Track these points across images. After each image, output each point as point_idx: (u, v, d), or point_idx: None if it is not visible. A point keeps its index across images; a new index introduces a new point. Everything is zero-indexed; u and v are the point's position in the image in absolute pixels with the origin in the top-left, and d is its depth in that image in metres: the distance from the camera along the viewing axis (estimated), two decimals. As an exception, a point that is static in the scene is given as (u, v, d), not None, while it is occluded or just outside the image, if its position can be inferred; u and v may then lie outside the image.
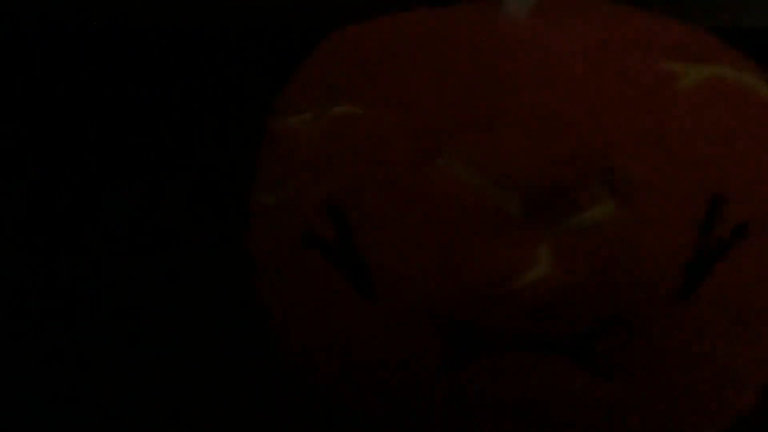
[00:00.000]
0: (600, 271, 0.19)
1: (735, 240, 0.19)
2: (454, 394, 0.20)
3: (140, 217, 0.36)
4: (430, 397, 0.20)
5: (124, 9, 0.40)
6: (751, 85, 0.21)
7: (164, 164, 0.38)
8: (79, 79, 0.41)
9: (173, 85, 0.40)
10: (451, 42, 0.21)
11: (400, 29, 0.22)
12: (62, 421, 0.28)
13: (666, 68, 0.20)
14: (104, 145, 0.39)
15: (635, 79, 0.20)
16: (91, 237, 0.35)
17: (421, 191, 0.19)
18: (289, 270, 0.22)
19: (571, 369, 0.19)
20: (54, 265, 0.34)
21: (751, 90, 0.21)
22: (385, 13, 0.23)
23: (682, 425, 0.21)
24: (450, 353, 0.19)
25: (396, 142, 0.20)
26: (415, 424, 0.21)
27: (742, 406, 0.23)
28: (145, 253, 0.34)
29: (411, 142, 0.19)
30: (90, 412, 0.28)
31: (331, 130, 0.21)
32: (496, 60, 0.20)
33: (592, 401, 0.20)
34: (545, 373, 0.19)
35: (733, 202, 0.19)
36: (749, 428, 0.24)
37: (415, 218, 0.19)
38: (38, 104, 0.40)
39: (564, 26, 0.21)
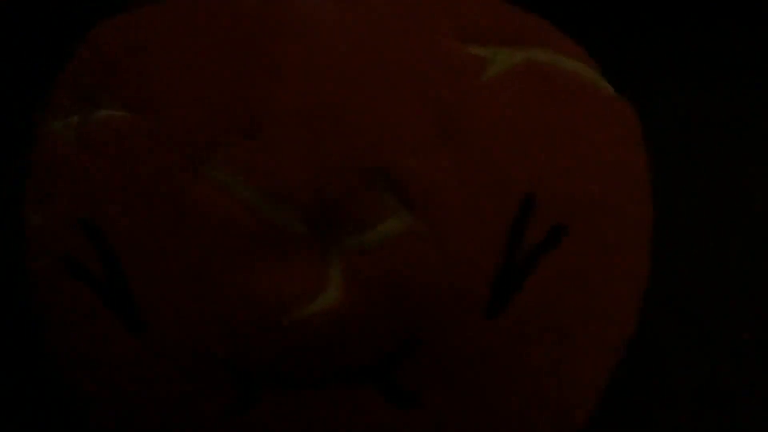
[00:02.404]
0: (397, 292, 0.16)
1: (549, 246, 0.17)
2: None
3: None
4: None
5: None
6: (571, 69, 0.19)
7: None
8: None
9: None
10: (228, 29, 0.18)
11: (171, 18, 0.19)
12: None
13: (471, 54, 0.18)
14: None
15: (430, 69, 0.17)
16: None
17: (187, 207, 0.16)
18: (59, 300, 0.19)
19: (373, 401, 0.17)
20: None
21: (571, 74, 0.19)
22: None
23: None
24: (233, 395, 0.17)
25: (158, 150, 0.17)
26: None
27: (581, 415, 0.21)
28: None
29: (175, 150, 0.17)
30: None
31: (92, 136, 0.18)
32: (274, 50, 0.17)
33: (399, 433, 0.18)
34: (343, 410, 0.17)
35: (544, 205, 0.17)
36: None
37: (181, 240, 0.16)
38: None
39: (359, 8, 0.18)
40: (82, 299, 0.18)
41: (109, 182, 0.17)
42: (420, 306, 0.16)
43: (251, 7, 0.18)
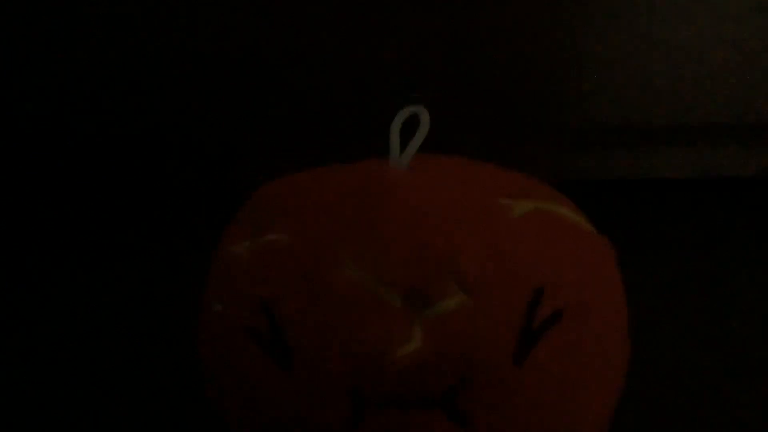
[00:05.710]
0: (455, 344, 0.26)
1: (552, 322, 0.27)
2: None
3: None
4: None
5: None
6: (564, 214, 0.30)
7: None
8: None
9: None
10: (351, 187, 0.29)
11: (313, 179, 0.30)
12: None
13: (501, 203, 0.29)
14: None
15: (477, 210, 0.28)
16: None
17: (328, 290, 0.27)
18: (230, 358, 0.28)
19: (440, 421, 0.26)
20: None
21: (564, 217, 0.30)
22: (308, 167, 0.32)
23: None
24: (350, 413, 0.26)
25: (308, 254, 0.27)
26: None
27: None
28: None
29: (318, 255, 0.27)
30: None
31: (262, 251, 0.29)
32: (380, 198, 0.28)
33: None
34: (420, 426, 0.26)
35: (549, 295, 0.27)
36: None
37: (324, 310, 0.27)
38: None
39: (431, 175, 0.29)
40: (249, 352, 0.28)
41: (273, 276, 0.28)
42: (470, 354, 0.26)
43: (362, 172, 0.29)
